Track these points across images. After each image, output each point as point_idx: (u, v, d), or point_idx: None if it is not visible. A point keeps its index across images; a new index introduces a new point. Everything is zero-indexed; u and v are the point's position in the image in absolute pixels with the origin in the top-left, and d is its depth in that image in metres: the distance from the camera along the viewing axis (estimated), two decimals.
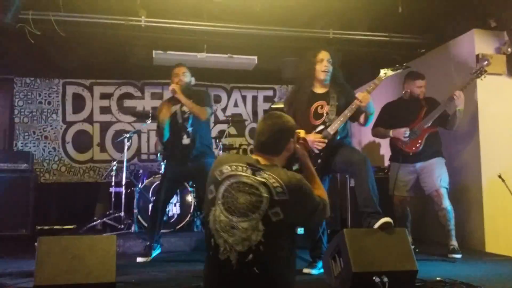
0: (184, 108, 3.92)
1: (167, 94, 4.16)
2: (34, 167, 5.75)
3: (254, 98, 7.07)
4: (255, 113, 7.00)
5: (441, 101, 4.04)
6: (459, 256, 3.75)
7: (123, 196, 5.19)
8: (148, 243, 3.91)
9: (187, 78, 3.97)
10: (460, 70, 4.53)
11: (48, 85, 6.42)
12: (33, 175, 5.52)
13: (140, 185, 5.10)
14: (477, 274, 3.06)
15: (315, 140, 3.16)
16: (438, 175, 3.98)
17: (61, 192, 6.30)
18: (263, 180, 2.01)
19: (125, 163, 5.23)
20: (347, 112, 3.17)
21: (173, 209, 5.05)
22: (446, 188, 3.97)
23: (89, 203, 6.16)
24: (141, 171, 5.56)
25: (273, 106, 5.83)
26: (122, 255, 3.92)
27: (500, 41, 4.43)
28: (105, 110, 6.58)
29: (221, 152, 5.57)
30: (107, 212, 5.36)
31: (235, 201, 2.01)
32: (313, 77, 3.36)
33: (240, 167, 2.09)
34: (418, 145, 3.99)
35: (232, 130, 6.74)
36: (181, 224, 4.99)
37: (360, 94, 3.14)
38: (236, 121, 6.41)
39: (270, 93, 7.13)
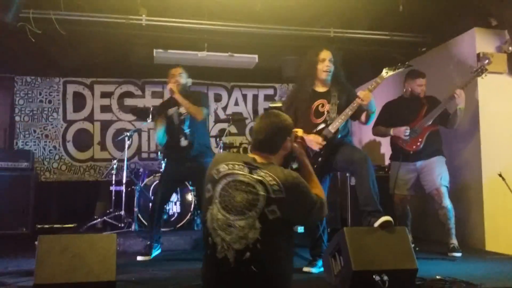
0: (181, 110, 3.94)
1: (167, 93, 4.17)
2: (34, 166, 5.75)
3: (255, 97, 7.07)
4: (255, 111, 7.00)
5: (442, 100, 4.04)
6: (459, 254, 3.75)
7: (123, 195, 5.19)
8: (149, 242, 3.91)
9: (183, 79, 3.98)
10: (461, 68, 4.52)
11: (48, 83, 6.42)
12: (34, 174, 5.53)
13: (140, 184, 5.11)
14: (477, 273, 3.06)
15: (313, 140, 3.16)
16: (438, 173, 3.97)
17: (62, 190, 6.31)
18: (259, 178, 2.02)
19: (125, 162, 5.23)
20: (348, 111, 3.17)
21: (174, 207, 5.06)
22: (447, 187, 3.97)
23: (89, 202, 6.17)
24: (141, 169, 5.56)
25: (271, 105, 5.82)
26: (122, 253, 3.93)
27: (501, 40, 4.43)
28: (105, 108, 6.58)
29: (221, 151, 5.58)
30: (108, 211, 5.36)
31: (232, 200, 2.02)
32: (315, 76, 3.35)
33: (237, 166, 2.09)
34: (418, 143, 3.99)
35: (233, 129, 6.76)
36: (182, 223, 5.00)
37: (361, 93, 3.13)
38: (237, 119, 6.41)
39: (270, 91, 7.13)
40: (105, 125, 6.55)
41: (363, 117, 3.32)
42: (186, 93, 3.91)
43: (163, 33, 4.70)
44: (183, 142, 3.93)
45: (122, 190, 5.21)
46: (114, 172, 5.39)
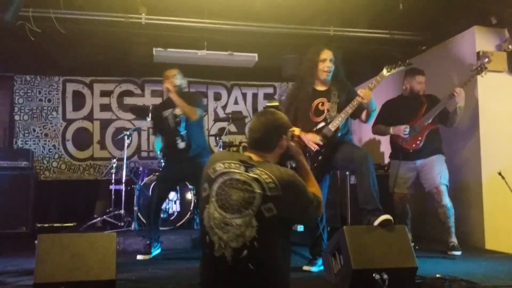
0: (176, 112, 3.96)
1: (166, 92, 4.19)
2: (34, 165, 5.74)
3: (255, 96, 7.07)
4: (255, 110, 6.99)
5: (442, 98, 4.03)
6: (459, 253, 3.75)
7: (123, 194, 5.19)
8: (148, 241, 3.92)
9: (178, 80, 4.00)
10: (460, 67, 4.52)
11: (48, 82, 6.41)
12: (33, 173, 5.52)
13: (140, 183, 5.11)
14: (477, 271, 3.06)
15: (311, 139, 3.16)
16: (438, 172, 3.97)
17: (61, 189, 6.30)
18: (255, 176, 2.02)
19: (125, 161, 5.23)
20: (349, 109, 3.17)
21: (173, 206, 5.06)
22: (446, 185, 3.97)
23: (89, 201, 6.18)
24: (141, 168, 5.56)
25: (268, 104, 5.81)
26: (122, 252, 3.94)
27: (501, 38, 4.43)
28: (105, 107, 6.57)
29: (221, 149, 5.58)
30: (107, 210, 5.36)
31: (228, 198, 2.02)
32: (315, 76, 3.35)
33: (233, 164, 2.09)
34: (418, 142, 3.99)
35: (232, 128, 6.76)
36: (181, 222, 5.01)
37: (362, 91, 3.13)
38: (236, 118, 6.39)
39: (270, 90, 7.13)
40: (105, 124, 6.54)
41: (363, 116, 3.32)
42: (180, 94, 3.93)
43: (162, 31, 4.70)
44: (180, 145, 3.95)
45: (122, 189, 5.21)
46: (113, 171, 5.39)
